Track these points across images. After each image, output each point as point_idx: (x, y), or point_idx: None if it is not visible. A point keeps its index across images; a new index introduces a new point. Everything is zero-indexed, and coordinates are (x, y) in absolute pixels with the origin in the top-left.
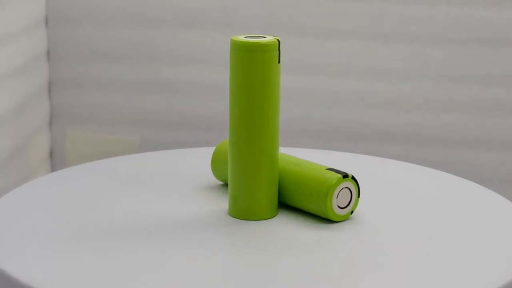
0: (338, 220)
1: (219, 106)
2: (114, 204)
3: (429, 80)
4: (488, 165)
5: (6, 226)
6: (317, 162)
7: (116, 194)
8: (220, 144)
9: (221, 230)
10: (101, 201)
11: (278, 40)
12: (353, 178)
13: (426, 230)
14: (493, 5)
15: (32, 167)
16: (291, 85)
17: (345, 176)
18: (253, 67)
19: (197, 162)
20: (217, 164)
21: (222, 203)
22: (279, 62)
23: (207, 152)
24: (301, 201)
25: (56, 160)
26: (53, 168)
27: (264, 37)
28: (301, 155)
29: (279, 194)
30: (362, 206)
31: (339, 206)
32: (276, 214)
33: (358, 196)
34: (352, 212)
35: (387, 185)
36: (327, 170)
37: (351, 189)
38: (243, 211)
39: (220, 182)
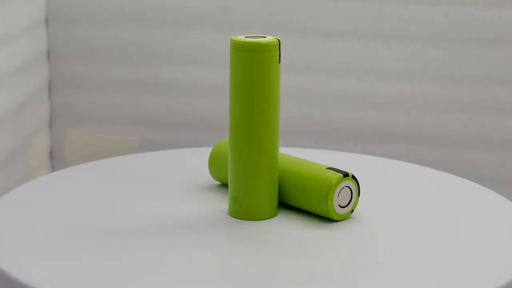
0: (339, 219)
1: (219, 106)
2: (114, 204)
3: (429, 80)
4: (488, 165)
5: (6, 226)
6: (317, 162)
7: (116, 194)
8: (217, 144)
9: (221, 230)
10: (101, 201)
11: (278, 40)
12: (353, 177)
13: (425, 230)
14: (493, 5)
15: (32, 167)
16: (291, 85)
17: (346, 175)
18: (253, 67)
19: (197, 162)
20: (215, 165)
21: (222, 203)
22: (279, 62)
23: (207, 152)
24: (301, 201)
25: (56, 160)
26: (53, 168)
27: (264, 37)
28: (301, 155)
29: (279, 194)
30: (362, 206)
31: (340, 205)
32: (276, 214)
33: (358, 195)
34: (352, 211)
35: (387, 185)
36: (327, 170)
37: (351, 188)
38: (243, 211)
39: (220, 182)
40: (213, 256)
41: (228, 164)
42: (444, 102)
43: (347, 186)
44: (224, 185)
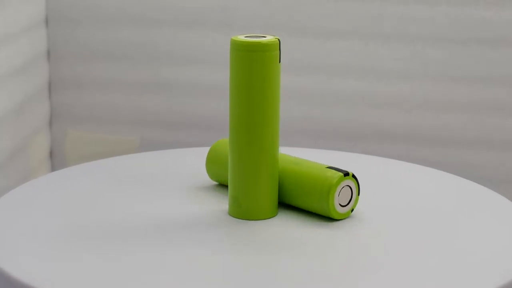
0: (339, 218)
1: (219, 106)
2: (114, 204)
3: (429, 80)
4: (488, 165)
5: (6, 226)
6: (317, 161)
7: (116, 194)
8: (215, 144)
9: (221, 230)
10: (101, 201)
11: (279, 40)
12: (353, 176)
13: (425, 230)
14: (493, 5)
15: (32, 167)
16: (291, 85)
17: (346, 174)
18: (253, 67)
19: (197, 162)
20: (212, 165)
21: (222, 203)
22: (279, 62)
23: (207, 152)
24: (302, 200)
25: (56, 160)
26: (53, 168)
27: (264, 37)
28: (301, 155)
29: (279, 193)
30: (362, 206)
31: (340, 204)
32: (276, 214)
33: (358, 194)
34: (352, 210)
35: (387, 184)
36: (328, 169)
37: (351, 187)
38: (243, 211)
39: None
40: (213, 256)
41: (228, 164)
42: (444, 102)
43: (348, 185)
44: (224, 185)
